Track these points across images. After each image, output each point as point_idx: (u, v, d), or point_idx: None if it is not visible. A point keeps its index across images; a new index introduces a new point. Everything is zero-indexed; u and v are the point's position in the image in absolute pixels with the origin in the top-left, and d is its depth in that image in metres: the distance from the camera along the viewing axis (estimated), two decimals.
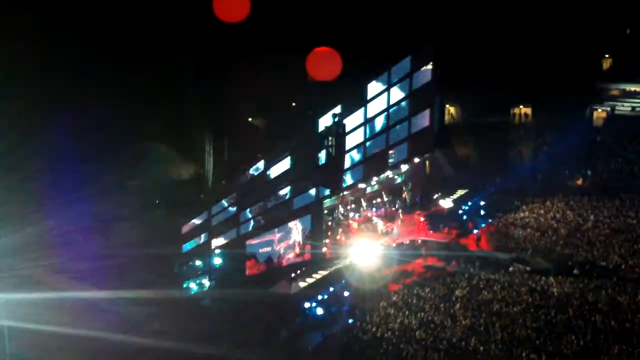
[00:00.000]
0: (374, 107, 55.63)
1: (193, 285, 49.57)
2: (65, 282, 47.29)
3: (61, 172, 56.25)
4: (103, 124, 60.27)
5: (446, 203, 62.98)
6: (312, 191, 52.93)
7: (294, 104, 63.00)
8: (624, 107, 79.40)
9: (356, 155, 55.52)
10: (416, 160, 62.09)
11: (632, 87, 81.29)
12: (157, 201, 56.61)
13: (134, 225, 55.30)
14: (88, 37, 58.41)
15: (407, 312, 41.51)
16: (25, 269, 47.48)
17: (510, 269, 49.26)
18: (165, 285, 48.73)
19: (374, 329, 39.78)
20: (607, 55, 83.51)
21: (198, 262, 49.92)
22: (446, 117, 78.89)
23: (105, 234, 54.29)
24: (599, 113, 78.28)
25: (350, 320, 42.39)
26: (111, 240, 53.85)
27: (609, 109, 78.53)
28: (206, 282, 49.86)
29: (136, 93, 62.23)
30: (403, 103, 57.71)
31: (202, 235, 50.83)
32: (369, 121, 55.47)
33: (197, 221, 50.86)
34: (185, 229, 50.54)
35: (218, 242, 50.84)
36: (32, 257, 48.59)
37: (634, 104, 79.58)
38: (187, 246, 50.57)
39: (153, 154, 62.66)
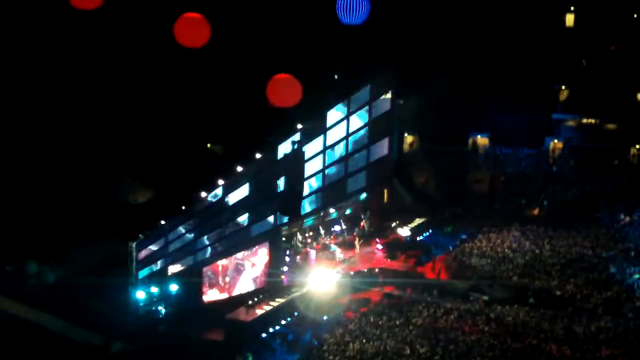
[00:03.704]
0: (333, 135, 55.76)
1: (149, 312, 49.01)
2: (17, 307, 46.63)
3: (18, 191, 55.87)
4: (61, 147, 59.97)
5: (404, 231, 63.05)
6: (271, 218, 52.74)
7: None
8: (579, 138, 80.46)
9: (315, 183, 55.53)
10: (375, 188, 62.23)
11: (588, 120, 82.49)
12: (116, 227, 56.00)
13: (90, 251, 54.74)
14: None
15: (364, 340, 41.40)
16: None
17: (468, 297, 49.42)
18: (120, 311, 48.35)
19: (330, 357, 39.63)
20: (563, 87, 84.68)
21: (154, 289, 49.36)
22: (405, 146, 79.36)
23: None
24: (556, 144, 79.17)
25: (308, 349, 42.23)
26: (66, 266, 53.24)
27: (565, 139, 79.48)
28: (162, 309, 49.30)
29: (96, 119, 62.09)
30: (362, 131, 57.95)
31: (159, 262, 50.32)
32: (328, 149, 55.56)
33: (153, 247, 50.38)
34: (141, 255, 50.01)
35: (175, 268, 50.36)
36: None
37: (589, 135, 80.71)
38: (143, 273, 49.99)
39: (111, 178, 62.17)
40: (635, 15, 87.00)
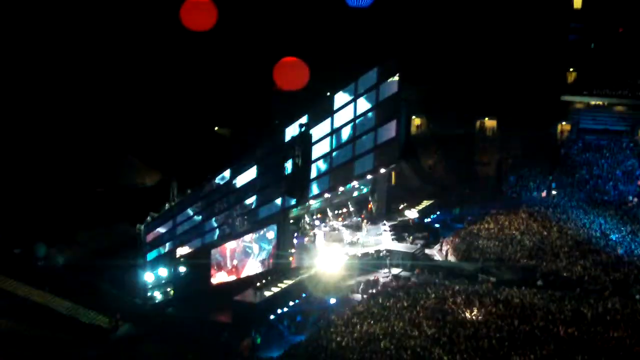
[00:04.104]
0: (340, 118, 55.70)
1: (158, 294, 49.26)
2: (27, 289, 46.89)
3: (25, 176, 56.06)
4: (69, 130, 60.12)
5: (412, 213, 63.08)
6: (278, 201, 52.81)
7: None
8: (588, 121, 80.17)
9: (322, 165, 55.52)
10: (382, 170, 62.23)
11: (596, 101, 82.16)
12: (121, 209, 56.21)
13: (99, 233, 55.03)
14: None
15: (371, 322, 41.48)
16: None
17: (476, 279, 49.51)
18: (129, 293, 48.64)
19: (338, 339, 39.69)
20: (571, 69, 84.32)
21: (163, 271, 49.57)
22: (412, 129, 79.25)
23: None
24: (564, 126, 78.94)
25: (315, 330, 42.40)
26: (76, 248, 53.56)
27: (573, 122, 79.24)
28: (170, 291, 49.55)
29: (104, 99, 62.19)
30: (370, 114, 57.85)
31: (167, 244, 50.51)
32: (335, 131, 55.51)
33: (161, 230, 50.55)
34: (149, 237, 50.20)
35: (183, 250, 50.55)
36: None
37: (597, 117, 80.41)
38: (152, 255, 50.21)
39: (118, 161, 62.38)
40: None
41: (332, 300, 46.72)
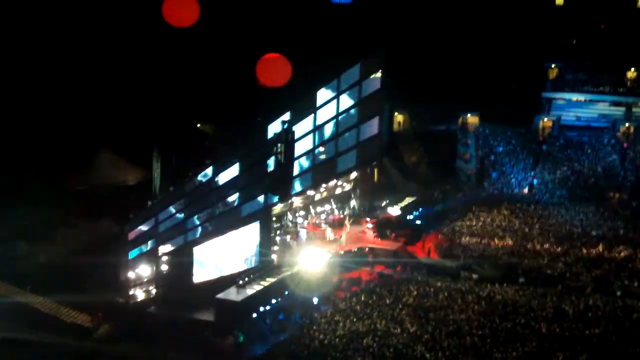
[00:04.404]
0: (323, 114, 55.62)
1: (140, 293, 49.03)
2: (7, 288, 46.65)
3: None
4: (51, 127, 59.77)
5: (394, 210, 63.10)
6: (261, 198, 52.69)
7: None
8: (569, 117, 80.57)
9: (305, 162, 55.43)
10: (365, 167, 62.23)
11: (578, 97, 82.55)
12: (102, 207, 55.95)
13: (80, 232, 54.72)
14: None
15: (354, 319, 41.60)
16: None
17: (458, 276, 49.64)
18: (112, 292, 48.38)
19: (321, 336, 39.76)
20: (553, 65, 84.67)
21: (145, 269, 49.36)
22: (394, 125, 79.30)
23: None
24: (545, 122, 79.20)
25: (298, 328, 42.39)
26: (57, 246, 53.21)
27: (554, 118, 79.55)
28: (153, 289, 49.35)
29: (86, 97, 61.84)
30: (352, 110, 57.79)
31: (149, 242, 50.29)
32: (318, 128, 55.42)
33: (144, 228, 50.31)
34: (131, 235, 49.96)
35: (165, 248, 50.34)
36: None
37: (578, 113, 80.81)
38: (134, 253, 49.97)
39: (100, 158, 62.09)
40: None
41: (315, 298, 46.62)
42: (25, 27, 60.79)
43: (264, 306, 45.67)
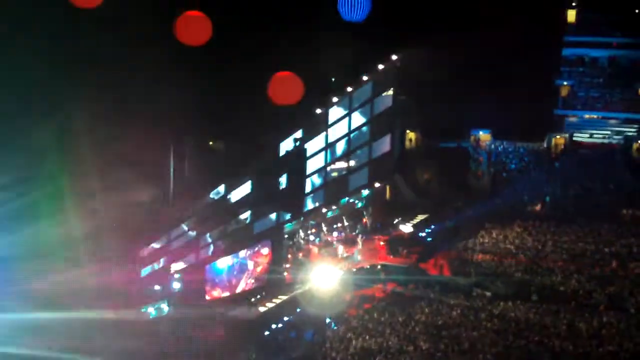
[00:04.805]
0: (335, 132, 55.74)
1: (151, 310, 49.05)
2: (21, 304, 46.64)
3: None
4: (62, 145, 59.83)
5: (406, 228, 63.05)
6: (273, 215, 52.76)
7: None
8: (582, 134, 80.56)
9: (317, 180, 55.51)
10: (377, 185, 62.29)
11: (590, 115, 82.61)
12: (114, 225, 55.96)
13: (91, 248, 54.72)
14: None
15: (366, 337, 41.44)
16: None
17: (471, 294, 49.49)
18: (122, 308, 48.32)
19: (333, 354, 39.65)
20: (565, 83, 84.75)
21: (157, 287, 49.44)
22: (406, 143, 79.35)
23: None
24: (557, 140, 79.17)
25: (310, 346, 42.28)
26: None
27: (567, 135, 79.50)
28: (164, 307, 49.37)
29: (96, 117, 61.95)
30: (364, 128, 57.91)
31: (162, 260, 50.38)
32: (330, 146, 55.54)
33: (156, 245, 50.43)
34: (144, 252, 50.07)
35: (177, 266, 50.43)
36: None
37: (591, 131, 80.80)
38: (146, 270, 50.08)
39: (111, 176, 62.13)
40: (637, 11, 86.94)
41: (327, 316, 46.55)
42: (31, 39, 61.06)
43: (276, 324, 45.61)
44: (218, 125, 64.88)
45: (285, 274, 53.22)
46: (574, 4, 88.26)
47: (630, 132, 79.15)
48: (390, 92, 59.49)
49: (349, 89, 56.42)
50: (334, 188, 56.85)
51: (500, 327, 42.67)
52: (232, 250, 51.66)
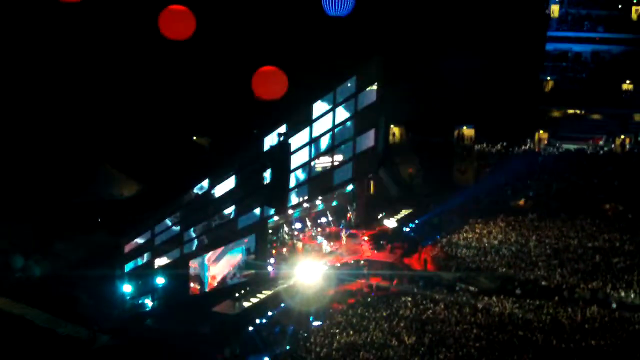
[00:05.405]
0: (319, 127, 55.74)
1: (136, 306, 48.96)
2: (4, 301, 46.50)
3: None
4: (45, 140, 59.67)
5: (390, 223, 63.09)
6: (257, 210, 52.72)
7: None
8: (564, 128, 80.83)
9: (301, 175, 55.52)
10: (361, 180, 62.34)
11: (574, 110, 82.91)
12: (98, 219, 55.84)
13: (76, 244, 54.56)
14: None
15: (351, 332, 41.47)
16: None
17: (455, 288, 49.60)
18: (107, 304, 48.25)
19: (318, 349, 39.66)
20: (548, 78, 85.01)
21: (140, 282, 49.31)
22: (390, 138, 79.34)
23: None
24: (541, 134, 79.42)
25: (294, 341, 42.28)
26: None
27: (550, 130, 79.74)
28: (149, 302, 49.30)
29: (81, 110, 61.76)
30: (348, 123, 57.98)
31: (145, 255, 50.24)
32: (314, 140, 55.55)
33: (139, 240, 50.28)
34: (127, 248, 49.91)
35: (161, 261, 50.32)
36: None
37: (574, 125, 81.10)
38: (130, 266, 49.93)
39: (96, 171, 61.96)
40: (619, 6, 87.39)
41: (311, 311, 46.54)
42: (22, 37, 60.78)
43: (260, 319, 45.56)
44: (202, 120, 64.82)
45: (270, 269, 53.18)
46: None
47: (613, 126, 79.42)
48: (375, 86, 59.59)
49: (334, 84, 56.44)
50: (318, 183, 56.88)
51: (484, 321, 42.80)
52: (216, 245, 51.59)
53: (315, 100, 55.47)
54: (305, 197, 57.10)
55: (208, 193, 51.23)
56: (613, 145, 76.07)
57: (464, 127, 78.12)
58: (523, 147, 78.50)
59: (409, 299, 46.77)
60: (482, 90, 75.08)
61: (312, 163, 56.14)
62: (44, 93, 61.17)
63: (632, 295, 47.82)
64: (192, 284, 50.85)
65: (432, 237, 60.98)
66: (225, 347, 41.81)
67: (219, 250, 52.40)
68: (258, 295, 48.49)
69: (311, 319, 45.06)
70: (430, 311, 44.51)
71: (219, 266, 52.69)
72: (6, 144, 58.29)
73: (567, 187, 70.04)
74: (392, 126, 79.10)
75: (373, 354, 38.61)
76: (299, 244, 57.72)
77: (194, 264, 50.94)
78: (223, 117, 61.47)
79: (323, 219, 61.96)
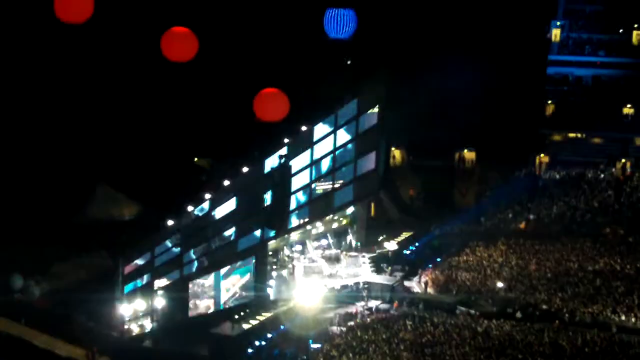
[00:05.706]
0: (320, 149, 55.82)
1: (135, 327, 48.82)
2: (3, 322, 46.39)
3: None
4: (46, 161, 59.78)
5: (391, 245, 62.97)
6: (257, 232, 52.70)
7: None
8: (565, 152, 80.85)
9: (302, 197, 55.53)
10: (362, 202, 62.30)
11: (574, 134, 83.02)
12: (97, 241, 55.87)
13: (76, 266, 54.54)
14: None
15: (350, 355, 41.36)
16: None
17: (455, 311, 49.49)
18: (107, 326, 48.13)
19: None
20: (549, 102, 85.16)
21: (140, 304, 49.19)
22: (391, 160, 79.39)
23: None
24: (542, 158, 79.46)
25: None
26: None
27: (551, 154, 79.79)
28: (148, 324, 49.16)
29: (82, 132, 61.93)
30: (349, 145, 58.04)
31: (145, 276, 50.15)
32: (315, 163, 55.60)
33: (139, 262, 50.21)
34: (127, 269, 49.82)
35: (161, 283, 50.22)
36: None
37: (575, 149, 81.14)
38: (129, 287, 49.82)
39: (96, 193, 62.03)
40: (620, 31, 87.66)
41: (311, 334, 46.43)
42: (26, 58, 61.03)
43: (259, 341, 45.44)
44: (203, 143, 64.94)
45: (269, 291, 53.08)
46: (558, 23, 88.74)
47: (614, 150, 79.46)
48: (376, 109, 59.68)
49: (335, 107, 56.58)
50: (318, 205, 56.88)
51: (484, 345, 42.64)
52: (216, 267, 51.53)
53: (316, 123, 55.58)
54: (306, 219, 57.05)
55: (208, 214, 51.23)
56: (614, 169, 75.98)
57: (465, 150, 78.21)
58: (524, 170, 78.48)
59: (409, 321, 46.64)
60: (483, 114, 75.19)
61: (313, 185, 56.16)
62: (45, 114, 61.33)
63: (633, 319, 47.72)
64: (198, 302, 50.84)
65: (433, 260, 60.88)
66: None
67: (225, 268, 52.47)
68: (257, 317, 48.36)
69: (310, 341, 44.92)
70: (430, 334, 44.38)
71: (226, 283, 52.75)
72: (7, 164, 58.36)
73: (568, 211, 69.93)
74: (392, 148, 79.17)
75: None
76: (299, 266, 57.59)
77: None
78: (224, 139, 61.59)
79: (323, 241, 61.79)
